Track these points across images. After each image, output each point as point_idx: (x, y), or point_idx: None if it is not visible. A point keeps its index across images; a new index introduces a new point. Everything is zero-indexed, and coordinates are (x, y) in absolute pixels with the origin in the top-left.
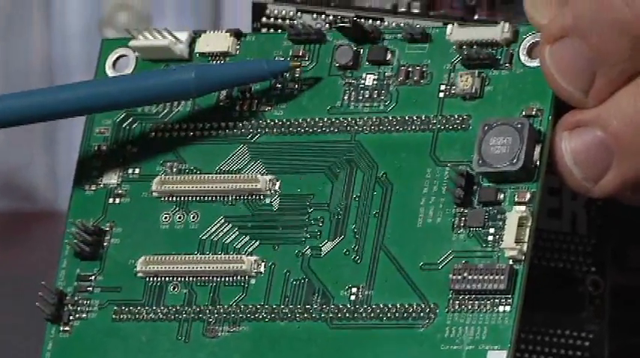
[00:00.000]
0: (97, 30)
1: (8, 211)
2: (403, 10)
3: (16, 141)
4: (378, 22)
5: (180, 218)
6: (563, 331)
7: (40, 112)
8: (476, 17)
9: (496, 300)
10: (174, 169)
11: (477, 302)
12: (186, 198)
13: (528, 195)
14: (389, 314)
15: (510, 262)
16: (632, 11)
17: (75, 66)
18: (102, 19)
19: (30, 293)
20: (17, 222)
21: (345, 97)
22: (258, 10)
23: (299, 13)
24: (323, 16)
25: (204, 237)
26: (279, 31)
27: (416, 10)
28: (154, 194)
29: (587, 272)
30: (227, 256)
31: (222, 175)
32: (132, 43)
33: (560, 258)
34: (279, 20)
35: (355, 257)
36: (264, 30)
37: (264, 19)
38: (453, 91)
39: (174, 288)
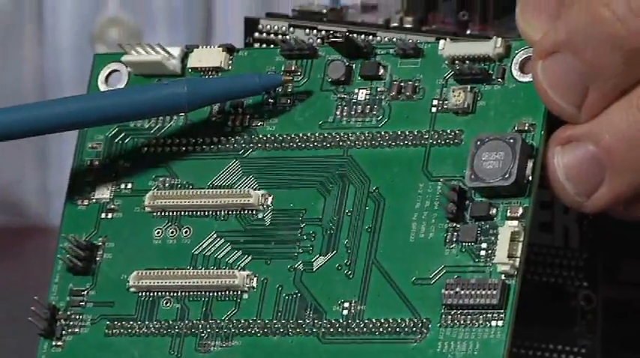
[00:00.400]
0: (89, 45)
1: (0, 226)
2: (395, 25)
3: (8, 157)
4: (371, 37)
5: (172, 233)
6: (556, 346)
7: (32, 127)
8: (468, 32)
9: (488, 315)
10: (167, 184)
11: (469, 317)
12: (178, 213)
13: (521, 210)
14: (381, 329)
15: (503, 277)
16: (624, 26)
17: (67, 81)
18: (93, 34)
19: (22, 308)
20: (8, 236)
21: (338, 112)
22: (250, 25)
23: (291, 28)
24: (315, 31)
25: (196, 252)
26: (272, 46)
27: (408, 26)
28: (147, 209)
29: (579, 287)
30: (219, 271)
31: (215, 190)
32: (124, 58)
33: (552, 272)
34: (272, 35)
35: (347, 272)
36: (256, 45)
37: (256, 34)
38: (445, 106)
39: (166, 303)
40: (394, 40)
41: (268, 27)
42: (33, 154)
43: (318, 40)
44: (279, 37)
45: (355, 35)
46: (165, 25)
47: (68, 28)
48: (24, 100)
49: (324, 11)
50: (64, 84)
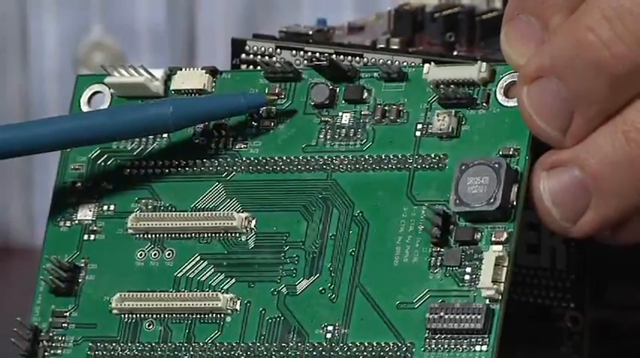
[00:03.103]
0: (73, 69)
1: None
2: (382, 46)
3: None
4: (357, 58)
5: (155, 255)
6: None
7: (15, 147)
8: (455, 53)
9: (472, 340)
10: (150, 206)
11: (453, 341)
12: (161, 236)
13: (505, 235)
14: (365, 353)
15: (487, 302)
16: (609, 51)
17: (51, 105)
18: (78, 58)
19: (5, 329)
20: None
21: (322, 136)
22: (237, 47)
23: (278, 50)
24: (302, 52)
25: (179, 275)
26: (259, 67)
27: (395, 47)
28: (129, 231)
29: (566, 308)
30: (202, 294)
31: (198, 213)
32: (107, 79)
33: (539, 293)
34: (259, 56)
35: (331, 295)
36: (243, 66)
37: (243, 56)
38: (429, 130)
39: (149, 325)
40: (380, 61)
41: (255, 48)
42: (18, 179)
43: (305, 62)
44: (266, 58)
45: (341, 57)
46: (149, 49)
47: (52, 52)
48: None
49: (311, 32)
50: (48, 108)
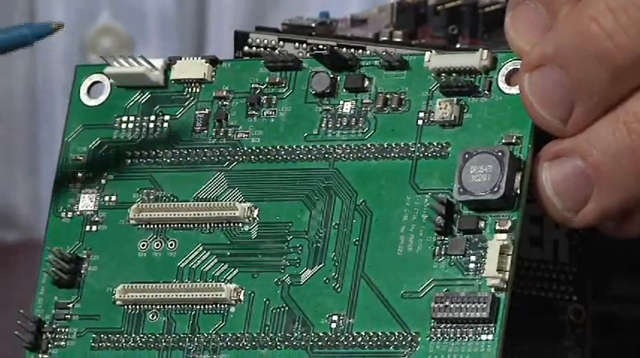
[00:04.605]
0: (81, 55)
1: None
2: (385, 39)
3: None
4: (360, 51)
5: (157, 246)
6: None
7: None
8: (458, 46)
9: (478, 329)
10: (151, 197)
11: (459, 330)
12: (163, 226)
13: (509, 223)
14: (370, 343)
15: (492, 290)
16: (612, 42)
17: (58, 89)
18: (85, 43)
19: (10, 321)
20: None
21: (323, 125)
22: (240, 39)
23: (281, 42)
24: (305, 45)
25: (182, 265)
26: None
27: (398, 40)
28: (132, 221)
29: (568, 301)
30: (206, 284)
31: (200, 203)
32: (107, 69)
33: (541, 286)
34: (261, 49)
35: (335, 285)
36: (246, 59)
37: (246, 48)
38: (431, 119)
39: (153, 316)
40: (380, 51)
41: (258, 41)
42: (23, 165)
43: (307, 54)
44: (269, 50)
45: (344, 50)
46: (157, 35)
47: (60, 37)
48: (15, 109)
49: (314, 25)
50: (55, 93)
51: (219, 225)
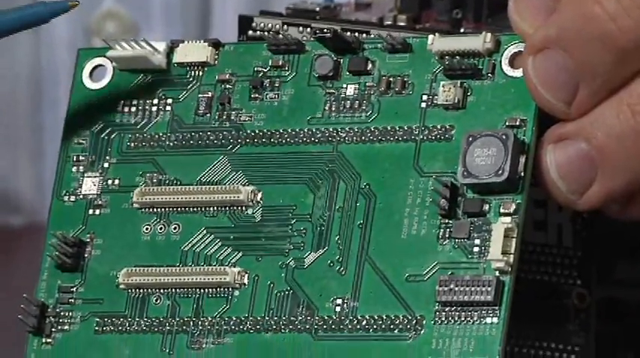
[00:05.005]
0: (85, 39)
1: None
2: (389, 23)
3: (0, 152)
4: (364, 35)
5: (161, 229)
6: (549, 344)
7: None
8: (462, 30)
9: (483, 312)
10: (155, 180)
11: (463, 313)
12: (167, 210)
13: (514, 206)
14: (375, 326)
15: (497, 273)
16: (616, 24)
17: (62, 74)
18: (90, 28)
19: (13, 305)
20: (2, 233)
21: (327, 108)
22: (244, 23)
23: (285, 26)
24: (309, 29)
25: (186, 249)
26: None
27: (402, 24)
28: (135, 205)
29: (572, 285)
30: (210, 268)
31: (203, 186)
32: (109, 53)
33: (545, 270)
34: (266, 33)
35: (340, 268)
36: (249, 42)
37: (250, 32)
38: (435, 102)
39: (157, 300)
40: (383, 34)
41: (262, 25)
42: (27, 149)
43: (311, 38)
44: (272, 33)
45: (348, 34)
46: (161, 20)
47: (64, 21)
48: (19, 93)
49: (318, 9)
50: (59, 78)
51: (223, 209)
